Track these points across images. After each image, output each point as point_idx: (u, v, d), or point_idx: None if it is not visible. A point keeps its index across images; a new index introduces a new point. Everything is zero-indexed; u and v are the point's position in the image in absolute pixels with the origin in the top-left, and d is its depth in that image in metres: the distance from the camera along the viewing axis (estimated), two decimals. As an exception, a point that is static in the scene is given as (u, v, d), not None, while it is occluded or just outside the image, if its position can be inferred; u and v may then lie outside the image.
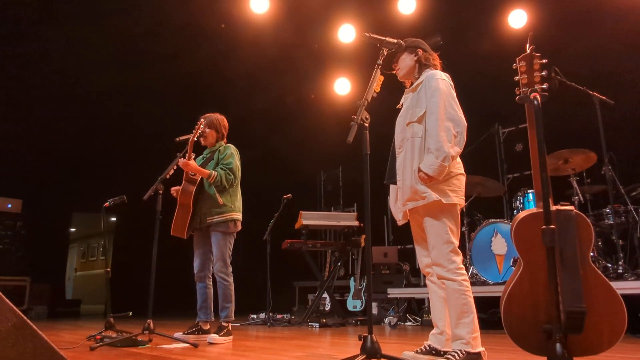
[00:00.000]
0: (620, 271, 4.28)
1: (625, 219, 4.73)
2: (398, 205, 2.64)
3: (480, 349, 2.30)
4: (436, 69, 2.67)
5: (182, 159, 3.82)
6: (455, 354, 2.28)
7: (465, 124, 2.48)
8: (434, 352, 2.51)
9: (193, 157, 3.88)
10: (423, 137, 2.50)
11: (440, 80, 2.53)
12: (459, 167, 2.53)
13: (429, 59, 2.70)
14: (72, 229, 12.10)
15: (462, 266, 2.41)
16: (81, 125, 7.71)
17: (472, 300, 2.36)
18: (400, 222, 2.71)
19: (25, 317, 1.60)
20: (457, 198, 2.46)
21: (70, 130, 7.69)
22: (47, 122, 7.46)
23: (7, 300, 1.58)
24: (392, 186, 2.72)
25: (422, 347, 2.56)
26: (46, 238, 8.23)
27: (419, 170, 2.42)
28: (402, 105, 2.78)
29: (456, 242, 2.44)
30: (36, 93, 7.11)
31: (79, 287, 14.79)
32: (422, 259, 2.68)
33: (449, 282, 2.39)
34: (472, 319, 2.32)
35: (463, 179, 2.53)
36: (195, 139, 3.92)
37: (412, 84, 2.73)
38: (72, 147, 7.92)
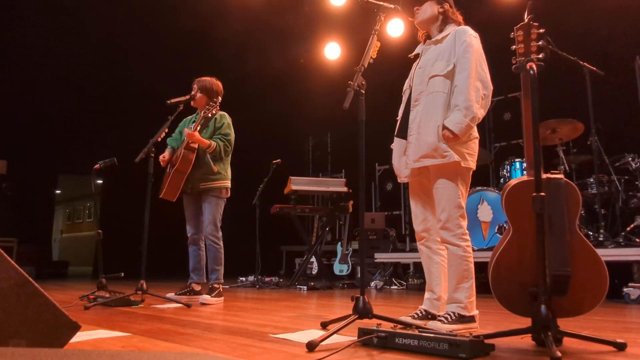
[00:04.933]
0: (601, 239, 4.42)
1: (609, 188, 4.85)
2: (407, 161, 2.50)
3: (474, 312, 2.34)
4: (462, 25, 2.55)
5: (187, 129, 3.86)
6: (449, 316, 2.31)
7: (492, 87, 2.42)
8: (430, 316, 2.49)
9: (198, 128, 3.89)
10: (449, 93, 2.39)
11: (473, 37, 2.43)
12: (475, 130, 2.44)
13: (455, 14, 2.59)
14: (58, 191, 12.00)
15: (467, 232, 2.38)
16: (68, 85, 7.56)
17: (473, 266, 2.36)
18: (404, 180, 2.58)
19: (27, 275, 1.62)
20: (473, 162, 2.41)
21: (56, 91, 7.54)
22: (33, 81, 7.29)
23: (9, 258, 1.60)
24: (397, 141, 2.61)
25: (418, 312, 2.53)
26: (32, 200, 8.18)
27: (444, 127, 2.33)
28: (414, 55, 2.69)
29: (464, 207, 2.39)
30: (21, 50, 6.93)
31: (65, 249, 14.80)
32: (418, 222, 2.59)
33: (453, 247, 2.36)
34: (471, 284, 2.33)
35: (478, 142, 2.47)
36: (186, 101, 3.92)
37: (428, 36, 2.63)
38: (57, 109, 7.78)
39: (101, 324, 2.58)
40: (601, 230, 4.52)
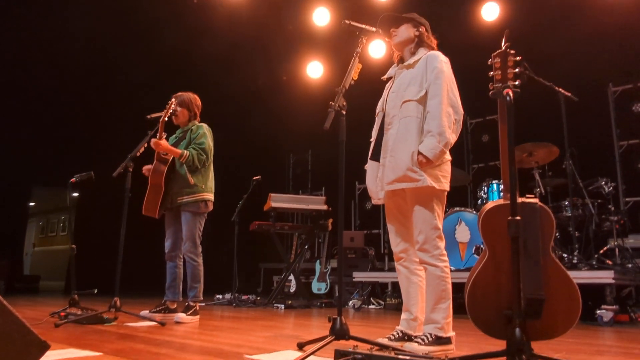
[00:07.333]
0: (575, 261, 4.49)
1: (582, 211, 4.95)
2: (381, 183, 2.53)
3: (451, 333, 2.34)
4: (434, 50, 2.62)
5: (153, 138, 3.78)
6: (425, 338, 2.31)
7: (462, 112, 2.48)
8: (406, 337, 2.48)
9: (164, 136, 3.85)
10: (422, 118, 2.44)
11: (444, 63, 2.49)
12: (447, 153, 2.48)
13: (430, 39, 2.66)
14: (31, 203, 11.75)
15: (445, 252, 2.41)
16: (45, 95, 7.43)
17: (450, 287, 2.38)
18: (379, 202, 2.62)
19: (-5, 293, 1.58)
20: (447, 184, 2.45)
21: (32, 101, 7.41)
22: (8, 90, 7.15)
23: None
24: (371, 163, 2.64)
25: (395, 333, 2.51)
26: (4, 212, 7.97)
27: (418, 152, 2.38)
28: (387, 78, 2.75)
29: (441, 228, 2.43)
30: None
31: (37, 262, 14.43)
32: (396, 243, 2.60)
33: (431, 268, 2.38)
34: (449, 305, 2.35)
35: (450, 164, 2.52)
36: (167, 118, 3.88)
37: (401, 59, 2.69)
38: (33, 119, 7.63)
39: (72, 342, 2.51)
40: (575, 253, 4.59)
